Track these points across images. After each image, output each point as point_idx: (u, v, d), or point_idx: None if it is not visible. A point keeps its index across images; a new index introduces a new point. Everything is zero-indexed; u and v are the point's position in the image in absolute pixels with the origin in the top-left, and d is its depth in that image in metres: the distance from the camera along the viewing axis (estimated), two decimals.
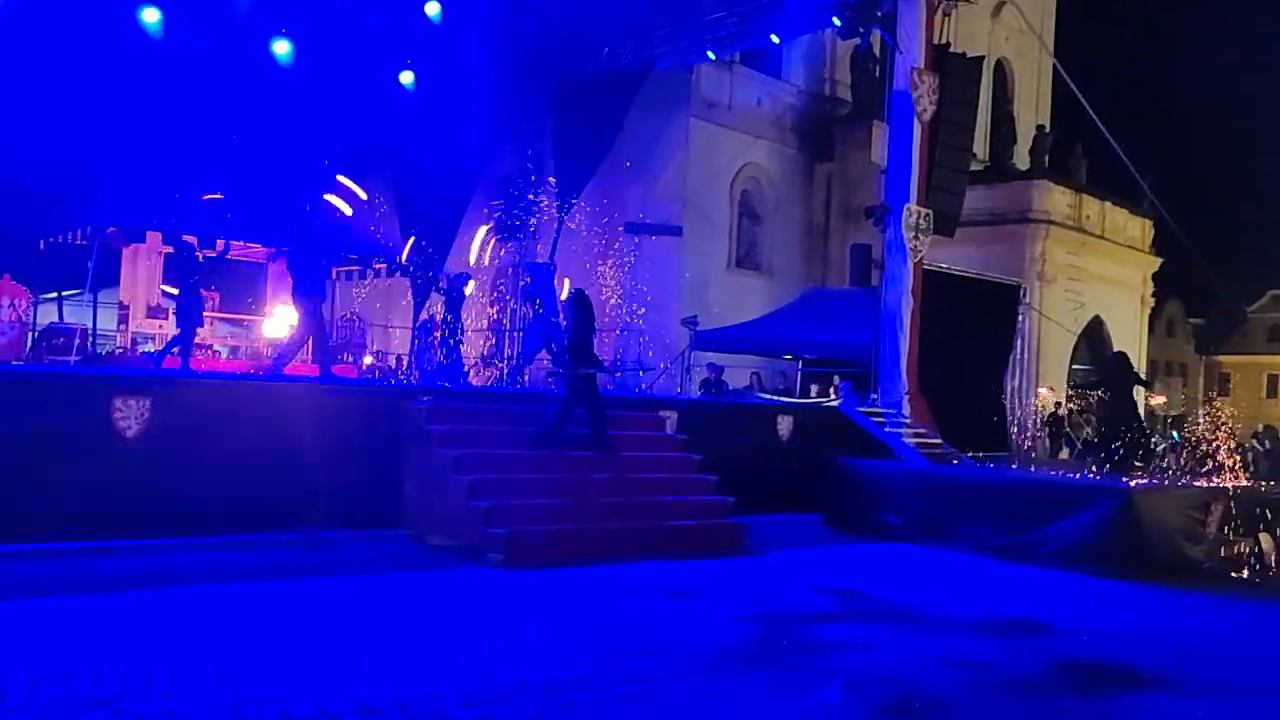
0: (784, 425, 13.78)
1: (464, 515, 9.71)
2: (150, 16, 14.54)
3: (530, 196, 21.85)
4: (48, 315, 16.07)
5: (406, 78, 17.55)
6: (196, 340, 16.09)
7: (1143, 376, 15.98)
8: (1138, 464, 13.90)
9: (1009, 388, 19.68)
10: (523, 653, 6.37)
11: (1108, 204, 29.57)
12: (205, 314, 16.94)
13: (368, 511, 10.10)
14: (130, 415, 9.00)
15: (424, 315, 18.48)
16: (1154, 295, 32.88)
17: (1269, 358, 57.20)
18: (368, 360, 18.80)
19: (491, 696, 5.53)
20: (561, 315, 13.04)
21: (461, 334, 15.86)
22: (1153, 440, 15.48)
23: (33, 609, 6.80)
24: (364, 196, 16.37)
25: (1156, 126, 58.63)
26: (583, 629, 7.09)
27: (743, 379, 20.64)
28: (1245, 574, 10.88)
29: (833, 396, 17.08)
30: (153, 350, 14.83)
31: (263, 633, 6.50)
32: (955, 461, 14.55)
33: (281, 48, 15.84)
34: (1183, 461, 15.12)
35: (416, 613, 7.38)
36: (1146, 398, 26.57)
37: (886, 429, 14.68)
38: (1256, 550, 11.58)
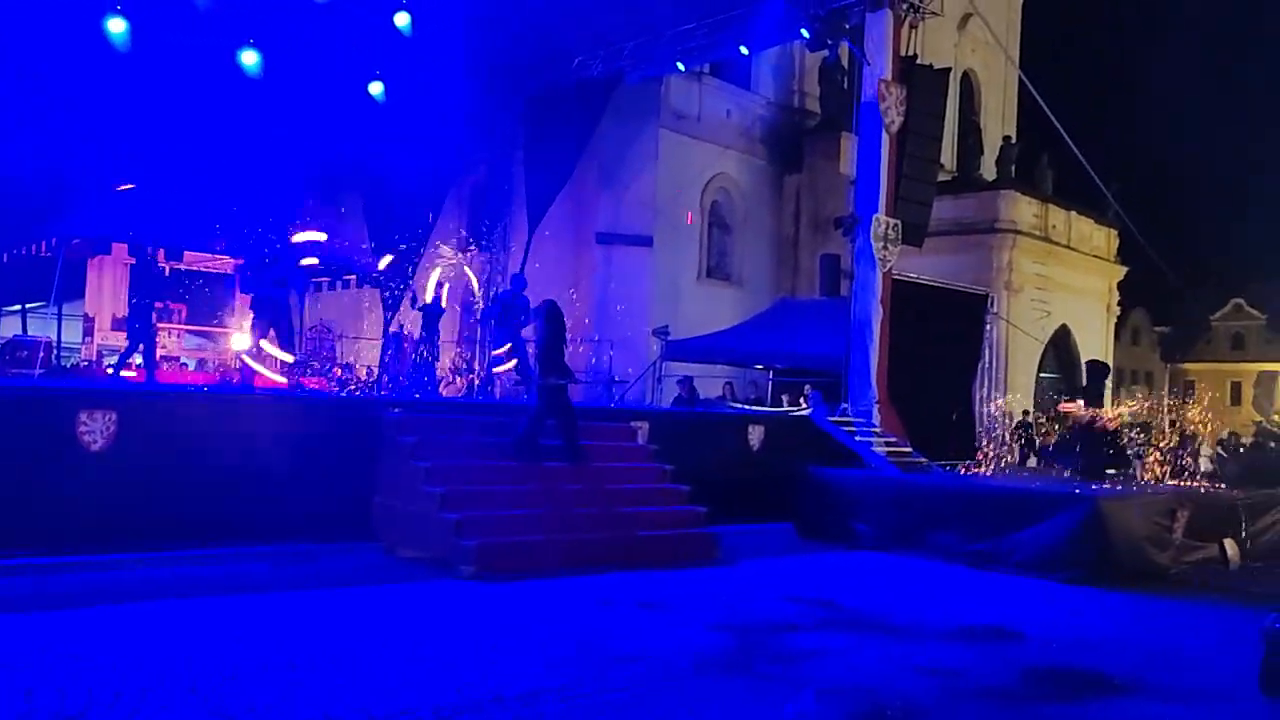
0: (755, 435, 13.81)
1: (436, 527, 9.66)
2: (116, 27, 14.41)
3: (501, 207, 21.87)
4: (11, 328, 15.87)
5: (376, 89, 17.49)
6: (162, 352, 15.96)
7: (1103, 387, 16.18)
8: (1110, 471, 14.05)
9: (977, 396, 19.85)
10: (496, 664, 6.33)
11: (1073, 214, 29.90)
12: (169, 326, 16.82)
13: (338, 524, 10.02)
14: (95, 429, 8.89)
15: (393, 326, 18.41)
16: (1119, 304, 33.25)
17: (1233, 365, 57.93)
18: (337, 371, 18.69)
19: (464, 708, 5.49)
20: (530, 326, 13.03)
21: (436, 347, 15.80)
22: (1125, 448, 15.62)
23: None
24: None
25: (1121, 137, 59.40)
26: (556, 640, 7.07)
27: (715, 389, 20.69)
28: (1210, 580, 10.99)
29: (803, 406, 17.14)
30: (113, 364, 14.68)
31: (232, 648, 6.43)
32: (925, 470, 14.64)
33: (250, 58, 15.74)
34: (1148, 469, 15.27)
35: (387, 626, 7.33)
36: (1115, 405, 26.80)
37: (857, 438, 14.75)
38: (1221, 556, 11.73)
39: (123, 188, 15.28)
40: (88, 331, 17.36)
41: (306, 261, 13.08)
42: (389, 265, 17.64)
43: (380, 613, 7.79)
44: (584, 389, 16.17)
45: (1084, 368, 16.06)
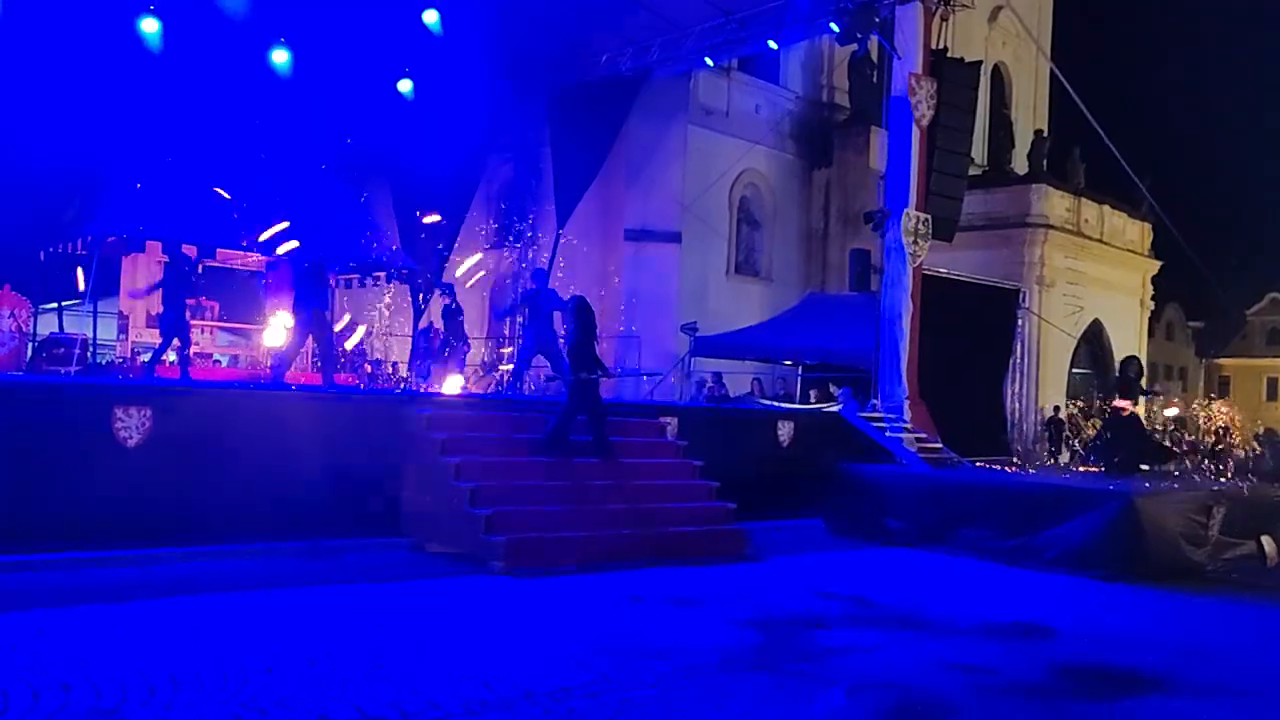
0: (784, 431, 13.78)
1: (466, 522, 9.71)
2: (149, 27, 14.56)
3: (529, 204, 21.90)
4: (48, 325, 16.07)
5: (405, 86, 17.57)
6: (195, 349, 16.11)
7: (1144, 386, 15.99)
8: (1144, 468, 13.90)
9: (1009, 392, 19.69)
10: (525, 660, 6.36)
11: (1106, 207, 29.57)
12: (201, 323, 16.97)
13: (369, 519, 10.11)
14: (131, 425, 9.01)
15: (423, 323, 18.49)
16: (1153, 299, 32.86)
17: (1268, 360, 57.21)
18: (367, 369, 18.80)
19: (494, 704, 5.52)
20: (560, 322, 13.05)
21: (462, 341, 15.86)
22: (1164, 443, 15.48)
23: (35, 619, 6.78)
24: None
25: (1154, 130, 58.71)
26: (585, 636, 7.08)
27: (743, 385, 20.65)
28: (1247, 577, 10.86)
29: (833, 402, 17.08)
30: (146, 360, 14.85)
31: (265, 642, 6.49)
32: (956, 466, 14.55)
33: (280, 57, 15.86)
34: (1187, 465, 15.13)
35: (418, 621, 7.37)
36: (1163, 405, 26.51)
37: (887, 434, 14.69)
38: (1258, 553, 11.59)
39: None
40: (122, 329, 17.55)
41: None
42: (412, 258, 17.74)
43: (410, 608, 7.84)
44: (613, 384, 16.17)
45: (1118, 365, 15.85)
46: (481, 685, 5.79)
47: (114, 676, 5.60)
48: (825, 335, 18.83)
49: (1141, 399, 17.35)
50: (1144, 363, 24.37)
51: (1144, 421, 14.88)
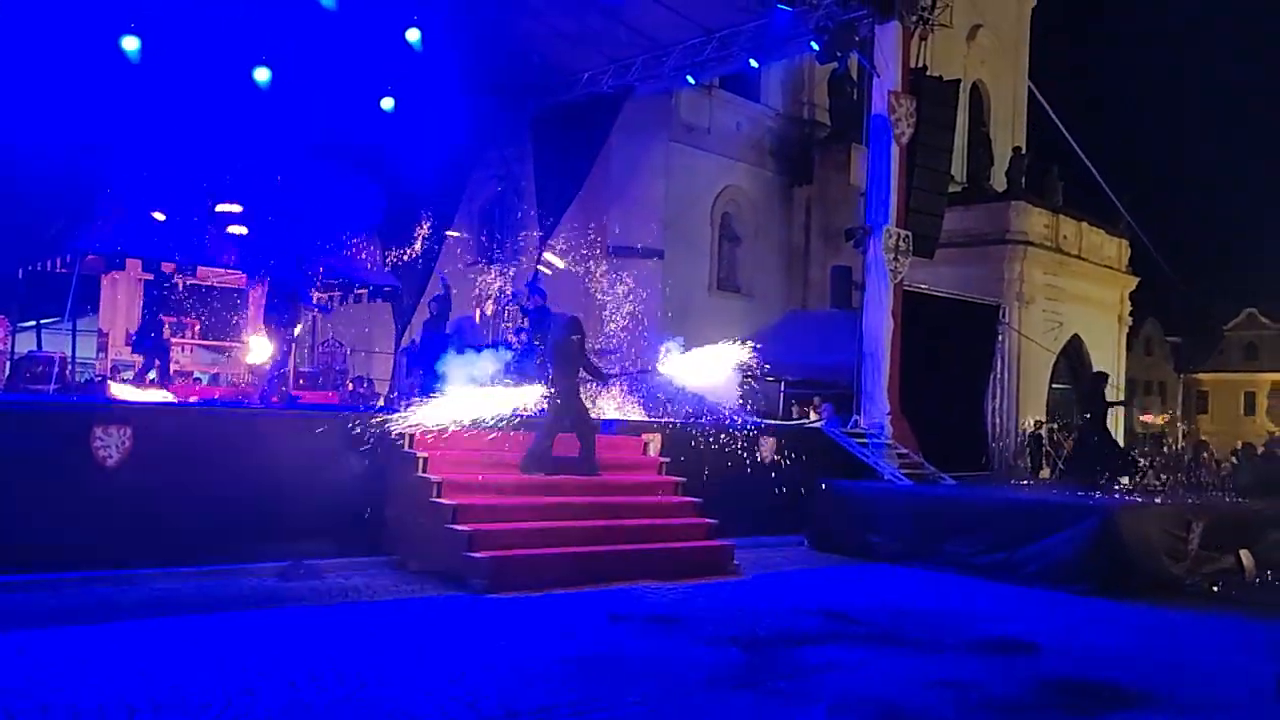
0: (767, 447, 13.80)
1: (447, 540, 9.68)
2: (130, 44, 14.51)
3: (512, 221, 21.90)
4: (26, 344, 15.94)
5: (387, 104, 17.57)
6: (175, 368, 16.01)
7: (1110, 399, 16.16)
8: (1122, 481, 14.02)
9: (990, 407, 19.80)
10: (508, 679, 6.34)
11: (1084, 224, 29.81)
12: (181, 341, 16.86)
13: (350, 538, 10.07)
14: (111, 444, 8.95)
15: (405, 340, 18.43)
16: (1131, 314, 33.13)
17: (1245, 375, 57.74)
18: (349, 385, 18.72)
19: None
20: (538, 338, 13.06)
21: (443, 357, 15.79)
22: (1133, 458, 15.63)
23: (14, 640, 6.72)
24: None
25: (1131, 147, 59.27)
26: (568, 655, 7.06)
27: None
28: (1226, 591, 10.94)
29: (814, 418, 17.12)
30: (128, 379, 14.73)
31: (245, 663, 6.44)
32: (938, 482, 14.61)
33: (262, 75, 15.83)
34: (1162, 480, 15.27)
35: (400, 640, 7.34)
36: (1138, 417, 26.75)
37: (869, 450, 14.73)
38: (1237, 567, 11.67)
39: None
40: (102, 347, 17.42)
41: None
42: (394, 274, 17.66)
43: (392, 627, 7.80)
44: (595, 401, 16.12)
45: (1084, 380, 16.08)
46: (466, 706, 5.77)
47: (94, 698, 5.55)
48: (807, 351, 18.89)
49: (1111, 411, 17.53)
50: (1124, 378, 24.60)
51: (1111, 434, 15.01)
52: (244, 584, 8.99)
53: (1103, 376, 16.44)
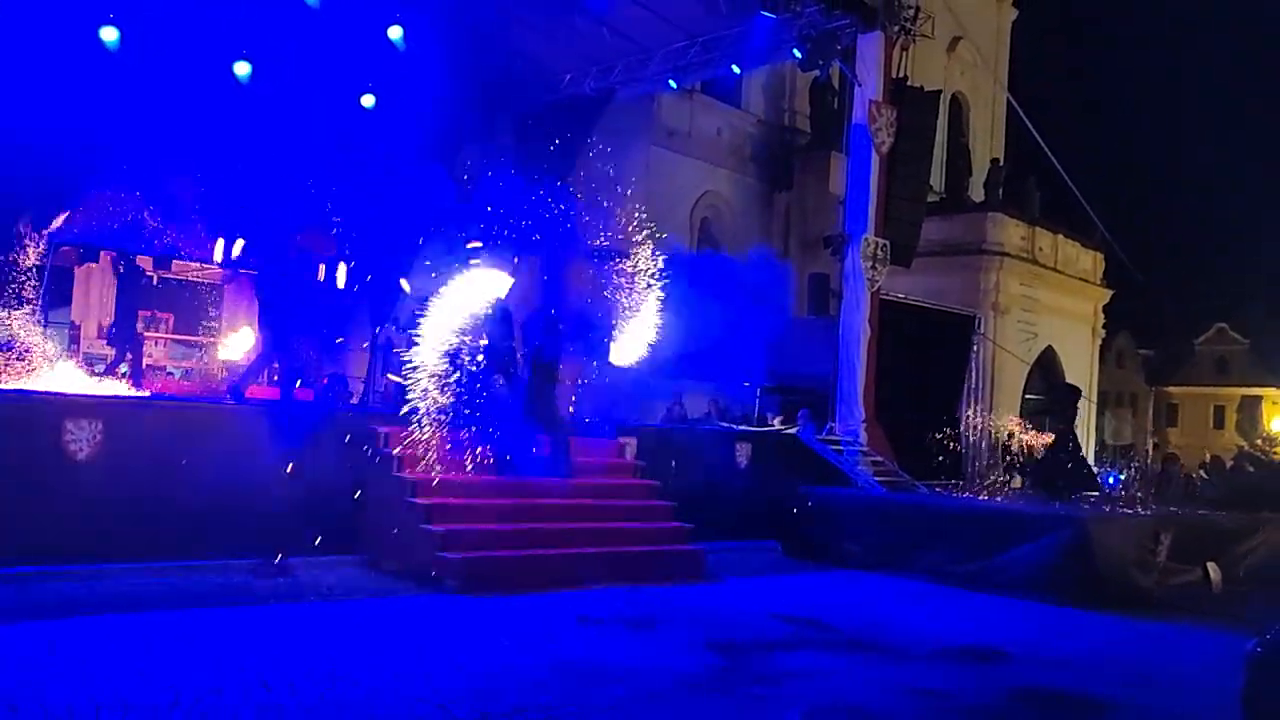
0: (742, 453, 13.82)
1: (421, 540, 9.64)
2: (109, 35, 14.37)
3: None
4: None
5: (368, 101, 17.47)
6: (148, 362, 15.86)
7: (1076, 409, 16.34)
8: (1088, 493, 14.13)
9: (964, 416, 19.91)
10: (480, 681, 6.31)
11: (1060, 236, 30.06)
12: (155, 335, 16.71)
13: (323, 536, 9.96)
14: (81, 438, 8.85)
15: (380, 337, 18.30)
16: (1104, 326, 33.43)
17: (1216, 389, 58.33)
18: (323, 382, 18.60)
19: None
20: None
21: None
22: (1096, 472, 15.79)
23: None
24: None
25: (1107, 161, 59.88)
26: (541, 657, 7.05)
27: (700, 406, 20.67)
28: (1194, 603, 11.04)
29: (787, 424, 17.14)
30: (99, 372, 14.57)
31: (215, 662, 6.39)
32: (912, 489, 14.67)
33: (242, 69, 15.71)
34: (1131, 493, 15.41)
35: (370, 641, 7.29)
36: (1116, 428, 27.01)
37: (844, 457, 14.77)
38: (1204, 579, 11.79)
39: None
40: (74, 340, 17.23)
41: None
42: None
43: (363, 627, 7.75)
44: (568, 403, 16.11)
45: (1057, 392, 16.23)
46: (437, 707, 5.74)
47: (62, 697, 5.49)
48: (783, 357, 18.92)
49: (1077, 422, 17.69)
50: (1096, 389, 24.79)
51: (1080, 448, 15.18)
52: (215, 580, 8.91)
53: (1076, 391, 16.57)
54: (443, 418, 10.40)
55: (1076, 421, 16.17)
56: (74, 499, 8.73)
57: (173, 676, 5.96)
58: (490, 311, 11.28)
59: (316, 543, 9.86)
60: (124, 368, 13.86)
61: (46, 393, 9.67)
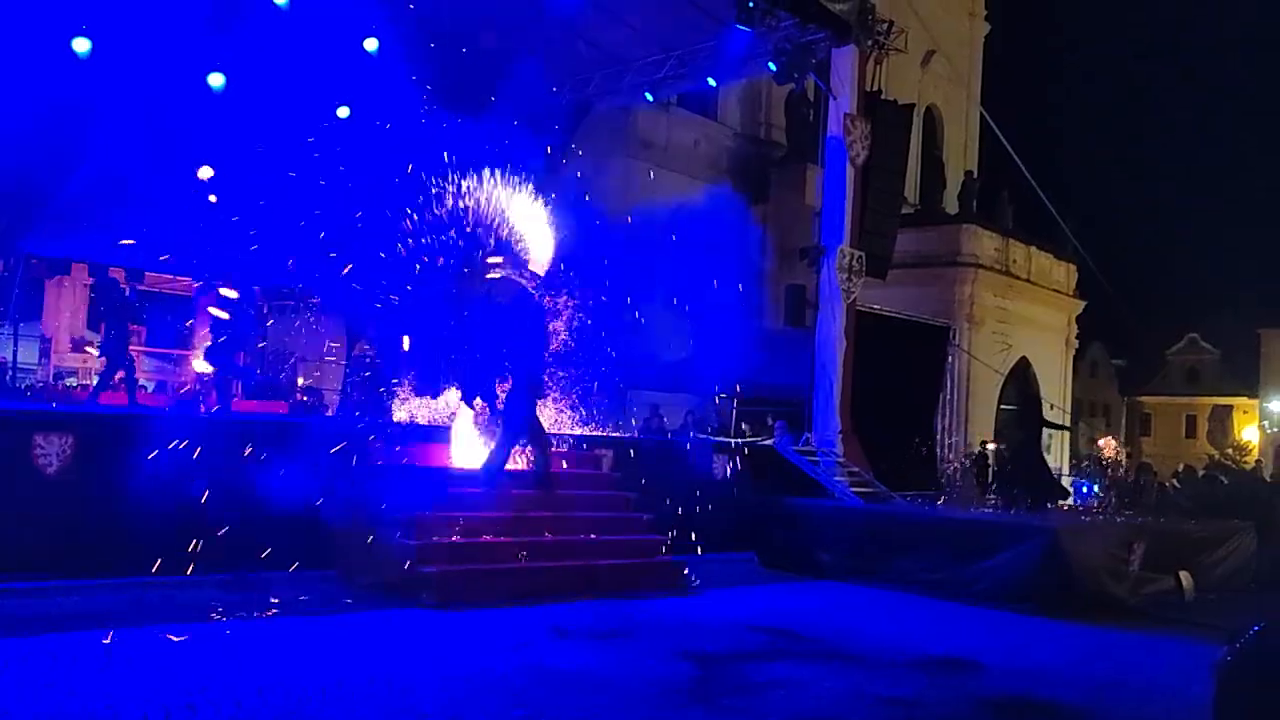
0: (719, 464, 13.84)
1: (396, 554, 9.58)
2: (81, 46, 14.28)
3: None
4: None
5: (343, 112, 17.43)
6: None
7: (1050, 420, 16.47)
8: (1059, 504, 14.23)
9: (939, 427, 20.00)
10: (457, 694, 6.28)
11: (1033, 248, 30.31)
12: (131, 348, 16.58)
13: (298, 550, 9.88)
14: (51, 452, 8.76)
15: (356, 350, 18.24)
16: (1078, 337, 33.70)
17: (1187, 399, 58.90)
18: (301, 397, 18.51)
19: None
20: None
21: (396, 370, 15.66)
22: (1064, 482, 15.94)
23: None
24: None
25: (1080, 173, 60.48)
26: (518, 670, 7.02)
27: (677, 417, 20.68)
28: (1166, 611, 11.12)
29: (760, 434, 17.18)
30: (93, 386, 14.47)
31: (188, 679, 6.32)
32: (888, 500, 14.73)
33: (215, 80, 15.64)
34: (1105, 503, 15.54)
35: (348, 655, 7.24)
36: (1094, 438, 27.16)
37: (820, 468, 14.82)
38: (1176, 588, 11.88)
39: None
40: (45, 352, 17.07)
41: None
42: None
43: (339, 642, 7.70)
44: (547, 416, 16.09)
45: (1020, 402, 16.33)
46: None
47: (26, 712, 5.42)
48: (760, 369, 18.96)
49: (1050, 434, 17.80)
50: (1070, 400, 24.93)
51: (1043, 457, 15.33)
52: (188, 595, 8.81)
53: (1038, 401, 16.68)
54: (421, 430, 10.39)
55: (1046, 432, 16.27)
56: (44, 514, 8.64)
57: (144, 691, 5.90)
58: (472, 319, 11.31)
59: (289, 557, 9.79)
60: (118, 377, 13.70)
61: (16, 406, 9.58)
